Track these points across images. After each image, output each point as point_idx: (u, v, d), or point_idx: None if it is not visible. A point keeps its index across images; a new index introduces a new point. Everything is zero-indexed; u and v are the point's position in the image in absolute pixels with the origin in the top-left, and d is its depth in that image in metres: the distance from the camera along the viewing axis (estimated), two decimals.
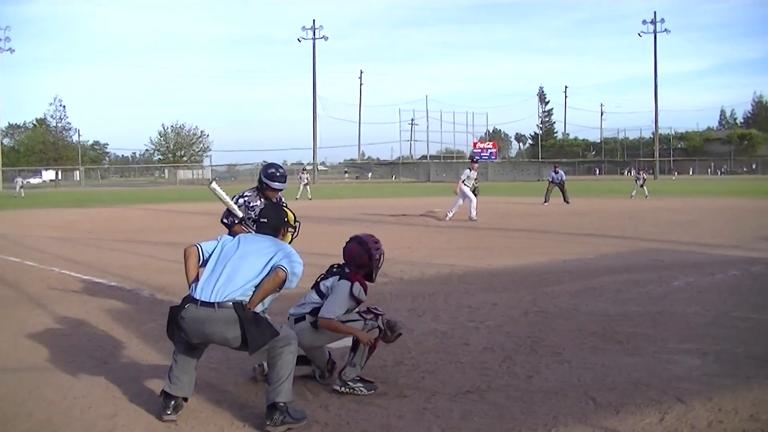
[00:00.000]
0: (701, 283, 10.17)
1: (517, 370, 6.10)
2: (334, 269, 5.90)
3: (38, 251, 14.59)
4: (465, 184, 22.40)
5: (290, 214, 5.56)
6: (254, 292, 4.90)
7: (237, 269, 4.93)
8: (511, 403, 5.29)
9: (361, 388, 5.60)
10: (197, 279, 5.04)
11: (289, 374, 4.91)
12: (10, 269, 12.13)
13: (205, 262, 5.14)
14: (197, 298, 4.81)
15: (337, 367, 5.83)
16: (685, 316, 7.99)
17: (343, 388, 5.58)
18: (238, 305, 4.78)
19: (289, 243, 5.45)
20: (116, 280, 10.76)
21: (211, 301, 4.77)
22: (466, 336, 7.30)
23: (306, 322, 5.66)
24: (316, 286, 5.83)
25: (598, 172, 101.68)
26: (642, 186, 36.33)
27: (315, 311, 5.63)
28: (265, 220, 5.37)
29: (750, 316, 7.97)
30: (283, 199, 7.26)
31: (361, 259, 5.89)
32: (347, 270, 5.85)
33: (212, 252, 5.16)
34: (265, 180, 7.16)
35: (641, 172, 38.58)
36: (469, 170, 22.87)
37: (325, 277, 5.86)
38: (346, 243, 5.98)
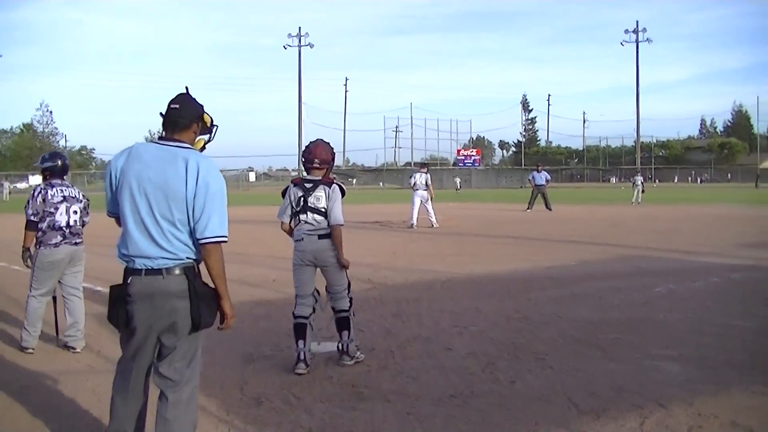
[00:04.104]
0: (682, 290, 10.23)
1: (499, 376, 6.11)
2: (306, 184, 6.37)
3: None
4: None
5: (207, 115, 4.19)
6: (211, 273, 3.91)
7: (156, 221, 3.85)
8: (494, 408, 5.29)
9: (361, 354, 6.57)
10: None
11: None
12: None
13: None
14: (139, 267, 3.87)
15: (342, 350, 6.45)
16: (666, 323, 8.04)
17: (352, 361, 6.42)
18: (189, 270, 3.90)
19: (201, 150, 4.17)
20: (101, 284, 10.66)
21: (157, 267, 3.86)
22: (450, 341, 7.30)
23: (329, 241, 6.32)
24: (303, 207, 6.31)
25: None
26: (643, 191, 36.50)
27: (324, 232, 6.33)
28: (177, 107, 4.03)
29: (731, 323, 8.02)
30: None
31: (328, 155, 6.50)
32: (318, 178, 6.41)
33: (115, 202, 4.02)
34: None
35: (638, 176, 38.56)
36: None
37: (305, 194, 6.32)
38: (308, 152, 6.46)
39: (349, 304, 6.49)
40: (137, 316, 3.89)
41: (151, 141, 4.08)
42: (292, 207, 6.36)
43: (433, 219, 22.17)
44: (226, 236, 3.92)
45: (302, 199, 6.30)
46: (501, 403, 5.40)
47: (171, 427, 3.93)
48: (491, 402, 5.44)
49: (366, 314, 8.46)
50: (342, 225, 6.33)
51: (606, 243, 17.05)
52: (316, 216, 6.27)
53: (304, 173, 6.57)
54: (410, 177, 23.33)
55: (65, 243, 6.98)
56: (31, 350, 7.01)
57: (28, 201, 7.04)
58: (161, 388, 4.00)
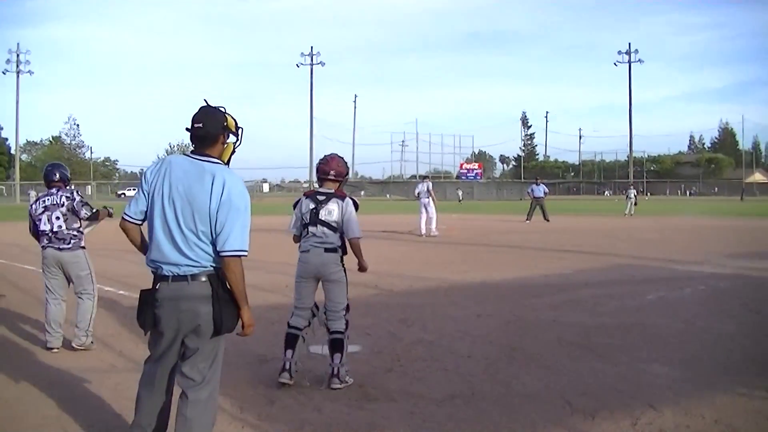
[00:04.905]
0: (671, 297, 10.21)
1: (499, 377, 6.11)
2: (319, 196, 5.99)
3: None
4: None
5: (230, 119, 4.11)
6: (230, 284, 3.89)
7: (182, 231, 3.84)
8: (493, 407, 5.29)
9: (350, 378, 5.89)
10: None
11: None
12: (23, 276, 12.10)
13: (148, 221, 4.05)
14: (167, 274, 3.90)
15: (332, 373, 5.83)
16: (656, 328, 8.01)
17: (342, 385, 5.75)
18: (213, 277, 3.89)
19: (229, 158, 4.13)
20: (123, 288, 10.71)
21: (182, 274, 3.87)
22: (452, 345, 7.30)
23: (338, 254, 5.96)
24: (314, 219, 5.91)
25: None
26: (635, 204, 36.41)
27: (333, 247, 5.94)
28: (200, 125, 3.98)
29: (716, 328, 8.01)
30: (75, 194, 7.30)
31: (343, 168, 6.14)
32: (331, 190, 6.03)
33: (146, 210, 4.01)
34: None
35: (631, 189, 38.46)
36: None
37: (317, 206, 5.93)
38: (324, 163, 6.10)
39: (344, 326, 5.95)
40: (164, 319, 3.90)
41: (184, 154, 4.07)
42: (303, 218, 5.97)
43: (434, 227, 22.17)
44: (245, 251, 3.87)
45: (314, 211, 5.91)
46: (500, 403, 5.39)
47: (190, 424, 3.92)
48: (491, 402, 5.43)
49: (373, 319, 8.46)
50: (360, 238, 6.01)
51: (600, 252, 17.01)
52: (325, 229, 5.87)
53: (316, 185, 6.31)
54: (415, 188, 23.51)
55: (50, 246, 7.13)
56: (55, 350, 7.06)
57: None
58: (183, 387, 3.99)
